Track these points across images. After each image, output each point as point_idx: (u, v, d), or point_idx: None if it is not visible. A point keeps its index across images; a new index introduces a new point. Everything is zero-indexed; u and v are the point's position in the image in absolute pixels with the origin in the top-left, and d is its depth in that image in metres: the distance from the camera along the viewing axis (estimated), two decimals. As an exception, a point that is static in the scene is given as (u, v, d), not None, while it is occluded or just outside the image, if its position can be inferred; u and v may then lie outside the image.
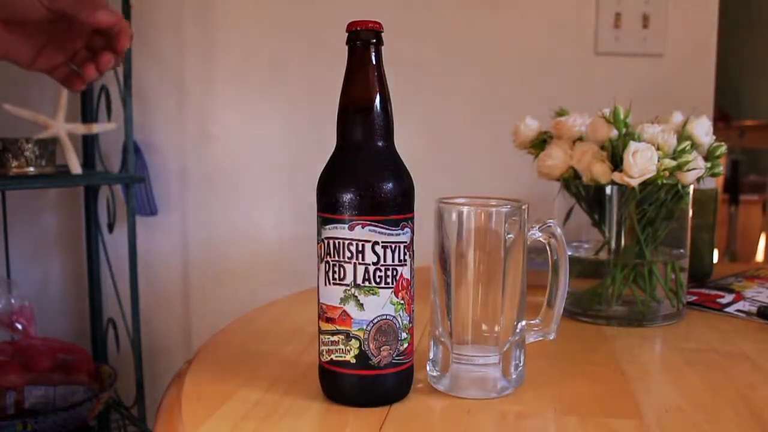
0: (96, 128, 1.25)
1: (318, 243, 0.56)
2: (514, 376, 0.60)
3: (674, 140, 0.78)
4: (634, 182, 0.76)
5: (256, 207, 1.40)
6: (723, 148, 0.82)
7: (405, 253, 0.55)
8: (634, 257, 0.82)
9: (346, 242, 0.54)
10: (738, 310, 0.87)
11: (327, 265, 0.55)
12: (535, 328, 0.63)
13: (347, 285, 0.54)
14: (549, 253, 0.62)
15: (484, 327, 0.59)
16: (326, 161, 0.57)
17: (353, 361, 0.55)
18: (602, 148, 0.81)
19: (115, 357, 1.38)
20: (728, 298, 0.92)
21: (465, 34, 1.36)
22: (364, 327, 0.54)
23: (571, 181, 0.85)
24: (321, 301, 0.56)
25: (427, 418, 0.56)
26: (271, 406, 0.57)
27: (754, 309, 0.87)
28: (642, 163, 0.75)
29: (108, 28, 0.60)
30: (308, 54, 1.33)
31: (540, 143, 0.90)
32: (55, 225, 1.43)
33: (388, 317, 0.55)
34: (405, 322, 0.56)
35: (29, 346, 1.13)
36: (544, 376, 0.64)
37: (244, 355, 0.71)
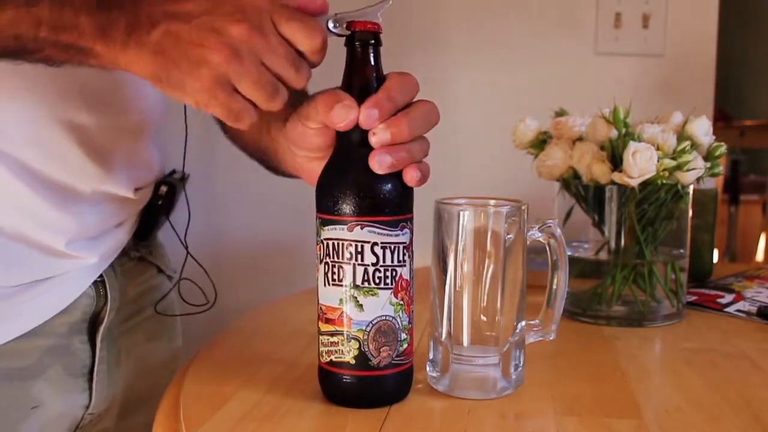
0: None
1: (317, 244, 0.56)
2: (513, 377, 0.60)
3: (674, 140, 0.78)
4: (634, 182, 0.76)
5: (255, 207, 1.40)
6: (723, 148, 0.82)
7: (404, 254, 0.55)
8: (634, 257, 0.82)
9: (345, 243, 0.54)
10: (738, 310, 0.87)
11: (326, 266, 0.55)
12: (535, 329, 0.63)
13: (346, 286, 0.54)
14: (549, 253, 0.61)
15: (483, 327, 0.59)
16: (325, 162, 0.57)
17: (353, 361, 0.55)
18: (602, 148, 0.81)
19: (115, 358, 1.38)
20: (728, 298, 0.92)
21: (464, 34, 1.36)
22: (364, 328, 0.54)
23: (571, 181, 0.84)
24: (320, 302, 0.56)
25: (427, 419, 0.56)
26: (271, 407, 0.57)
27: (754, 309, 0.87)
28: (642, 163, 0.75)
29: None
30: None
31: (540, 143, 0.90)
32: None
33: (387, 318, 0.55)
34: (404, 322, 0.56)
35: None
36: (544, 376, 0.64)
37: (243, 355, 0.71)
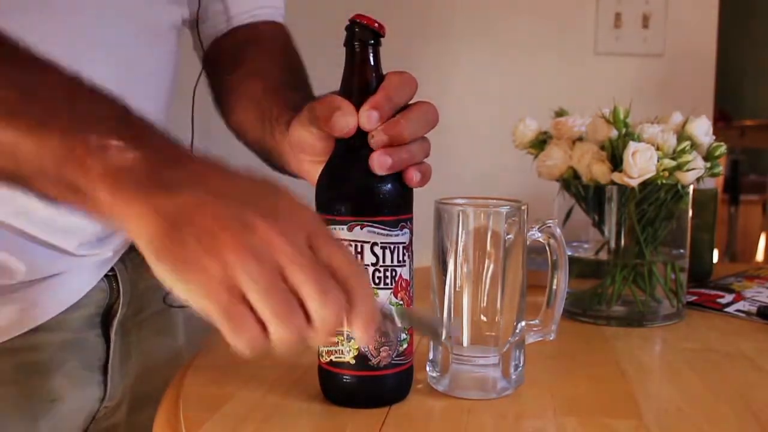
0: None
1: (317, 244, 0.56)
2: (513, 377, 0.60)
3: (674, 140, 0.78)
4: (634, 182, 0.76)
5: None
6: (723, 148, 0.82)
7: (404, 254, 0.55)
8: (634, 257, 0.82)
9: (345, 243, 0.54)
10: (738, 310, 0.87)
11: (326, 266, 0.55)
12: (535, 329, 0.63)
13: (347, 286, 0.54)
14: (549, 253, 0.61)
15: (483, 327, 0.59)
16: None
17: (352, 362, 0.55)
18: (602, 148, 0.81)
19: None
20: (728, 298, 0.92)
21: (464, 33, 1.36)
22: (364, 328, 0.54)
23: (571, 181, 0.84)
24: (320, 301, 0.56)
25: (426, 419, 0.56)
26: (271, 408, 0.57)
27: (754, 309, 0.87)
28: (642, 163, 0.75)
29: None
30: (308, 54, 1.33)
31: (539, 143, 0.90)
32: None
33: (387, 318, 0.55)
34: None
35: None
36: (544, 376, 0.64)
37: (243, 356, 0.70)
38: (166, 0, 0.76)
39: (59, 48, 0.59)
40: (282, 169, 0.71)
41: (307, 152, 0.60)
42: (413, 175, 0.54)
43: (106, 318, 0.76)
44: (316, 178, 0.57)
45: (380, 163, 0.52)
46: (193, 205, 0.42)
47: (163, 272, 0.42)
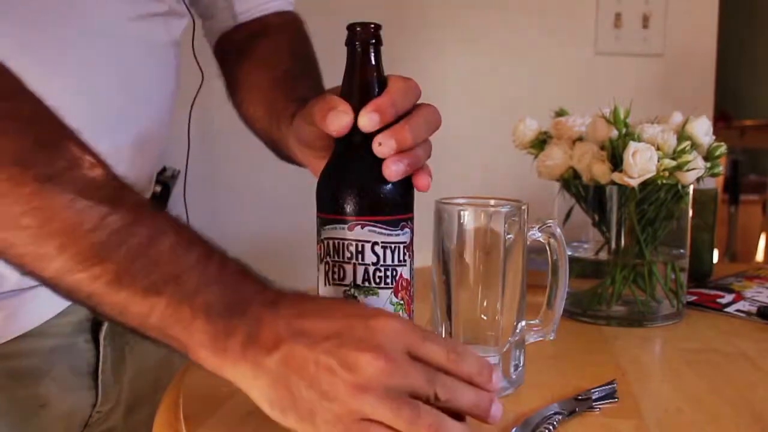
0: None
1: (318, 243, 0.56)
2: (513, 377, 0.60)
3: (674, 140, 0.78)
4: (634, 182, 0.76)
5: (256, 207, 1.40)
6: (723, 148, 0.82)
7: (405, 254, 0.55)
8: (634, 257, 0.82)
9: (346, 243, 0.54)
10: (738, 310, 0.87)
11: (327, 266, 0.55)
12: (535, 329, 0.63)
13: (347, 285, 0.54)
14: (549, 253, 0.61)
15: (483, 327, 0.59)
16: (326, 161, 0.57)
17: (353, 361, 0.55)
18: (602, 148, 0.81)
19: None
20: (728, 298, 0.92)
21: (465, 33, 1.36)
22: (364, 327, 0.54)
23: (571, 181, 0.84)
24: (321, 301, 0.56)
25: (426, 419, 0.55)
26: (271, 407, 0.57)
27: (754, 309, 0.87)
28: (642, 163, 0.75)
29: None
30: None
31: (540, 143, 0.90)
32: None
33: (387, 318, 0.54)
34: (405, 322, 0.56)
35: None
36: (544, 376, 0.64)
37: (244, 355, 0.70)
38: (164, 17, 0.75)
39: (56, 61, 0.59)
40: (289, 159, 0.72)
41: (310, 146, 0.60)
42: (425, 181, 0.55)
43: (95, 323, 0.75)
44: (320, 171, 0.57)
45: (394, 171, 0.53)
46: (292, 356, 0.45)
47: (290, 424, 0.46)
